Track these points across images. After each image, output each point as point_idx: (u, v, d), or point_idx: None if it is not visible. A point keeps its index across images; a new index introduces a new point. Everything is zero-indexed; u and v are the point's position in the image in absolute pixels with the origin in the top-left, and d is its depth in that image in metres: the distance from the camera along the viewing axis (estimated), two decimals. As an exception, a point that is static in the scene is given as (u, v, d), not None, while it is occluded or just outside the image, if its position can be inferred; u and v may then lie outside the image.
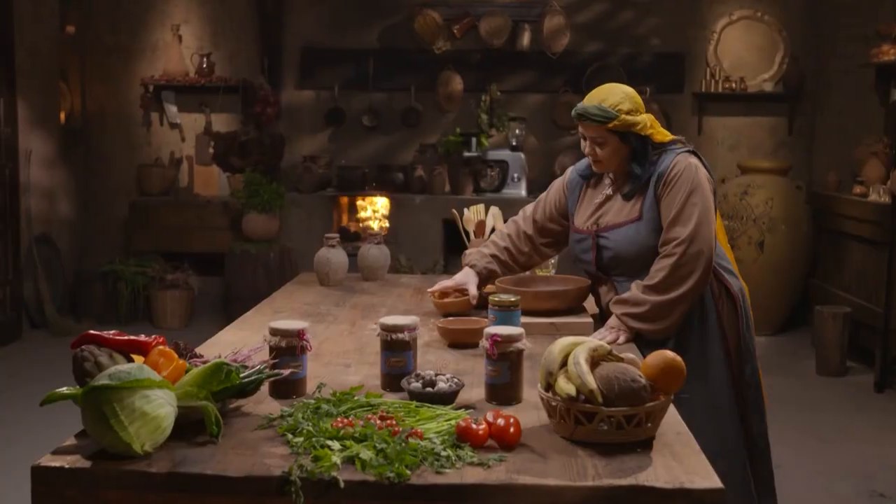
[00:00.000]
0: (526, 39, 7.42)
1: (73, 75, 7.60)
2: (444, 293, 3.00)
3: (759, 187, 6.78)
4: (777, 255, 6.71)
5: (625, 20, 7.52)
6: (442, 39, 7.47)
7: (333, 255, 3.60)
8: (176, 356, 1.84)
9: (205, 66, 7.52)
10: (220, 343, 2.58)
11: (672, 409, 2.01)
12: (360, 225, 7.55)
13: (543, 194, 3.08)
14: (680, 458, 1.72)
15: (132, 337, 1.91)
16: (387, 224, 7.42)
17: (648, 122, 2.68)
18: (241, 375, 1.89)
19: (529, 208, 3.11)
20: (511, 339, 2.04)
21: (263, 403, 2.03)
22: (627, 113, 2.63)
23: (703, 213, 2.59)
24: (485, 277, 3.01)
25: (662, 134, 2.74)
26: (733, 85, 7.33)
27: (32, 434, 4.49)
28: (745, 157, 7.34)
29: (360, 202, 7.65)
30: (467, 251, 3.29)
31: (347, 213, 7.64)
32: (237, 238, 7.10)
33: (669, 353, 1.85)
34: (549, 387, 1.85)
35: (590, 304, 3.09)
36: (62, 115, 7.44)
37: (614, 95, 2.66)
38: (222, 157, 7.20)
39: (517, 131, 7.35)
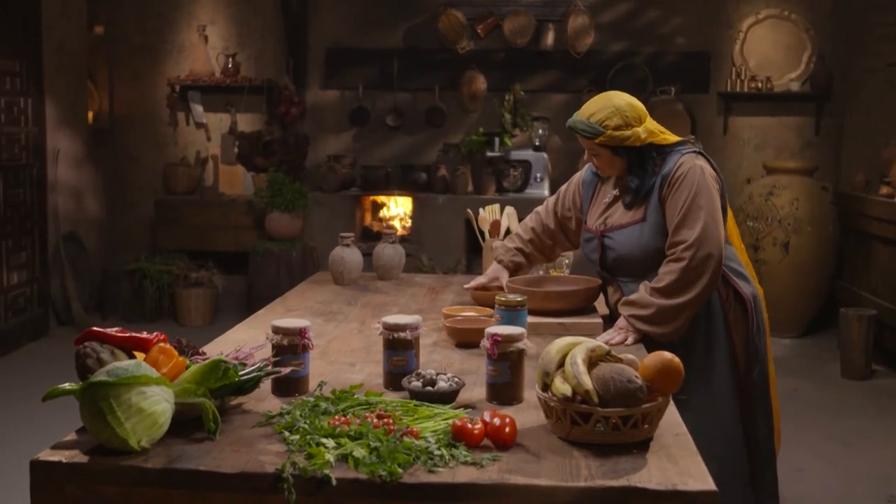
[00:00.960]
0: (550, 39, 7.41)
1: (101, 75, 7.69)
2: (480, 288, 3.11)
3: (785, 188, 6.71)
4: (802, 257, 6.64)
5: (650, 19, 7.48)
6: (466, 39, 7.47)
7: (348, 255, 3.62)
8: (176, 353, 1.86)
9: (230, 66, 7.58)
10: (229, 341, 2.60)
11: (673, 410, 2.00)
12: (383, 224, 7.57)
13: (563, 187, 3.12)
14: (675, 460, 1.71)
15: (134, 334, 1.93)
16: (409, 224, 7.44)
17: (643, 134, 2.65)
18: (240, 373, 1.90)
19: (551, 201, 3.16)
20: (511, 339, 2.04)
21: (265, 401, 2.05)
22: (615, 129, 2.63)
23: (710, 214, 2.57)
24: (513, 270, 3.12)
25: (665, 138, 2.72)
26: (759, 84, 7.26)
27: (57, 428, 4.54)
28: (770, 158, 7.28)
29: (383, 202, 7.67)
30: (495, 244, 3.34)
31: (371, 213, 7.66)
32: (261, 237, 7.15)
33: (667, 355, 1.84)
34: (546, 387, 1.85)
35: (601, 303, 3.08)
36: (90, 115, 7.53)
37: (604, 110, 2.65)
38: (246, 156, 7.25)
39: (540, 131, 7.33)
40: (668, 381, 1.82)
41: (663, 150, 2.71)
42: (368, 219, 7.62)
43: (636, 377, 1.78)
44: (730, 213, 2.88)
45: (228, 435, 1.82)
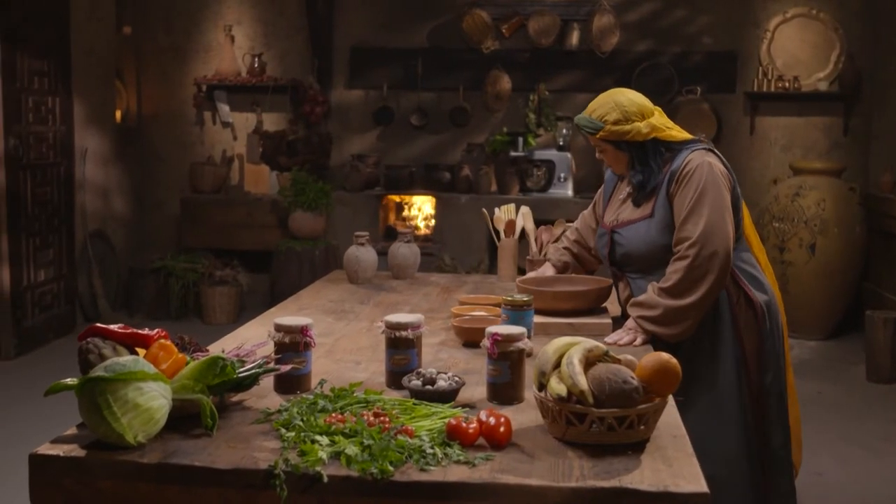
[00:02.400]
0: (575, 38, 7.38)
1: (129, 75, 7.78)
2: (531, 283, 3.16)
3: (812, 189, 6.64)
4: (829, 258, 6.56)
5: (676, 18, 7.43)
6: (490, 39, 7.46)
7: (362, 254, 3.63)
8: (175, 350, 1.87)
9: (256, 65, 7.63)
10: (239, 338, 2.62)
11: (674, 411, 1.99)
12: (406, 224, 7.58)
13: (601, 188, 3.12)
14: (670, 462, 1.70)
15: (135, 330, 1.95)
16: (432, 223, 7.45)
17: (645, 129, 2.67)
18: (240, 370, 1.92)
19: (587, 210, 3.21)
20: (511, 339, 2.04)
21: (266, 398, 2.06)
22: (614, 123, 2.67)
23: (716, 211, 2.55)
24: (561, 269, 3.15)
25: (674, 135, 2.71)
26: (786, 84, 7.18)
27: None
28: (798, 158, 7.20)
29: (406, 201, 7.68)
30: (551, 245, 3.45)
31: (394, 212, 7.68)
32: (285, 236, 7.20)
33: (664, 356, 1.83)
34: (543, 387, 1.84)
35: (613, 301, 3.07)
36: (118, 114, 7.62)
37: (604, 106, 2.71)
38: (270, 155, 7.30)
39: (564, 131, 7.31)
40: (665, 382, 1.81)
41: (672, 147, 2.71)
42: (392, 218, 7.64)
43: (632, 378, 1.77)
44: (747, 213, 2.86)
45: (226, 431, 1.83)
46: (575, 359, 1.80)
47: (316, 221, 6.99)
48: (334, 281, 3.71)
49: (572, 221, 3.30)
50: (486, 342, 2.06)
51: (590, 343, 1.88)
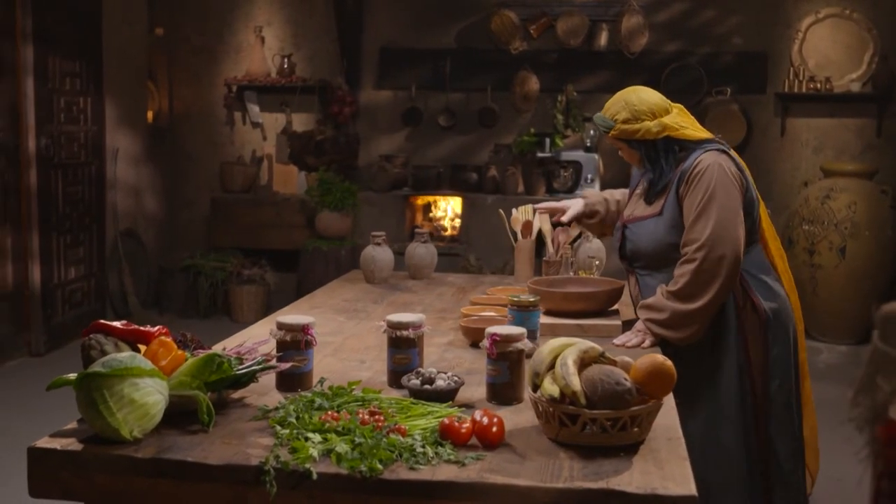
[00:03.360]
0: (603, 39, 7.35)
1: (161, 75, 7.87)
2: (549, 210, 3.27)
3: (843, 191, 6.55)
4: (859, 262, 6.47)
5: (706, 19, 7.37)
6: (518, 39, 7.45)
7: (378, 253, 3.65)
8: (174, 347, 1.90)
9: (286, 66, 7.69)
10: (249, 336, 2.64)
11: (672, 414, 1.98)
12: (434, 224, 7.59)
13: None
14: (661, 464, 1.69)
15: (137, 327, 1.98)
16: (458, 224, 7.45)
17: (655, 128, 2.67)
18: (238, 367, 1.94)
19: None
20: (510, 339, 2.04)
21: (267, 395, 2.08)
22: (624, 122, 2.70)
23: (725, 214, 2.53)
24: (588, 212, 3.12)
25: (687, 133, 2.70)
26: (818, 85, 7.09)
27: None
28: (829, 160, 7.11)
29: (433, 201, 7.69)
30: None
31: (421, 213, 7.69)
32: (312, 235, 7.24)
33: (659, 358, 1.82)
34: (537, 387, 1.84)
35: (625, 305, 3.06)
36: (150, 114, 7.71)
37: (615, 105, 2.75)
38: (298, 155, 7.35)
39: (592, 132, 7.28)
40: (659, 385, 1.80)
41: (686, 146, 2.70)
42: (419, 219, 7.65)
43: (625, 379, 1.76)
44: (766, 216, 2.82)
45: (223, 427, 1.85)
46: (569, 360, 1.80)
47: (342, 221, 7.02)
48: (351, 280, 3.73)
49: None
50: (485, 342, 2.06)
51: (585, 344, 1.87)
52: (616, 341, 2.63)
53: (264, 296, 7.26)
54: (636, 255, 2.78)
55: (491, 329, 2.06)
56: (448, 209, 7.68)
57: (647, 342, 2.60)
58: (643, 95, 2.73)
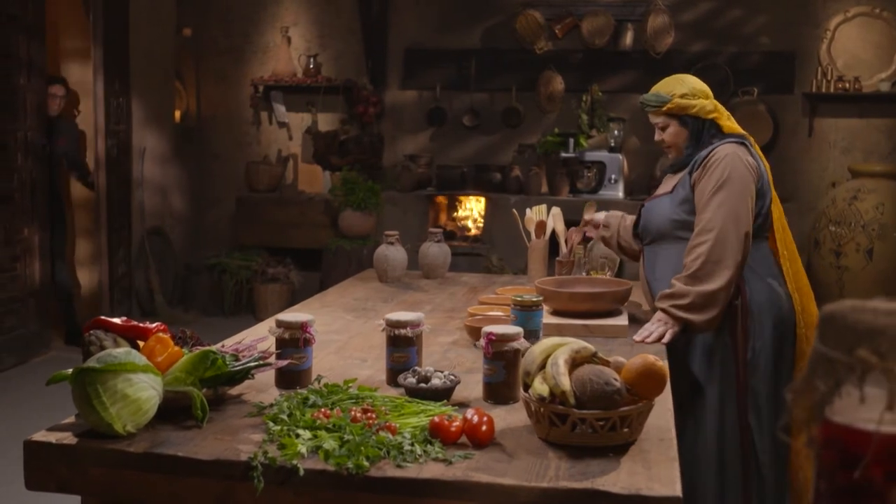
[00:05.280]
0: (628, 39, 7.31)
1: (189, 76, 7.95)
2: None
3: (870, 192, 6.47)
4: (887, 264, 6.38)
5: (732, 18, 7.31)
6: (543, 39, 7.44)
7: (392, 253, 3.67)
8: (171, 343, 1.92)
9: (311, 66, 7.74)
10: (256, 333, 2.66)
11: (667, 415, 1.97)
12: (457, 224, 7.60)
13: None
14: (650, 465, 1.69)
15: (136, 323, 2.01)
16: (482, 224, 7.45)
17: (710, 107, 2.79)
18: (235, 364, 1.95)
19: None
20: (506, 339, 2.04)
21: (266, 392, 2.10)
22: (681, 96, 2.80)
23: (737, 198, 2.62)
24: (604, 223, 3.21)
25: (730, 125, 2.81)
26: (847, 85, 7.01)
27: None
28: (858, 161, 7.02)
29: (457, 201, 7.70)
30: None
31: (445, 213, 7.70)
32: (336, 235, 7.28)
33: (650, 358, 1.81)
34: (528, 387, 1.84)
35: (634, 304, 3.05)
36: (177, 114, 7.80)
37: (671, 83, 2.86)
38: (321, 155, 7.39)
39: (616, 132, 7.25)
40: (650, 385, 1.79)
41: (722, 135, 2.80)
42: (443, 218, 7.66)
43: (615, 379, 1.76)
44: (781, 216, 2.83)
45: (218, 423, 1.87)
46: (560, 359, 1.80)
47: (365, 221, 7.05)
48: (364, 279, 3.75)
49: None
50: (481, 341, 2.07)
51: (578, 344, 1.87)
52: (637, 337, 2.64)
53: (288, 294, 7.30)
54: (646, 231, 2.88)
55: (487, 328, 2.07)
56: (472, 209, 7.68)
57: (669, 335, 2.60)
58: (697, 80, 2.87)
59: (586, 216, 3.33)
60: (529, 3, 7.41)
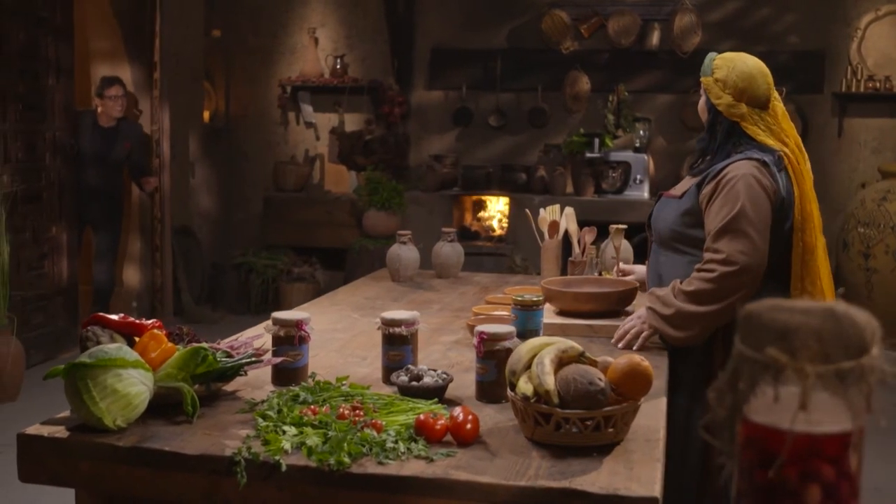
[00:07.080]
0: (655, 39, 7.28)
1: (218, 76, 8.04)
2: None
3: (900, 193, 6.37)
4: (916, 266, 6.28)
5: (760, 17, 7.23)
6: (569, 39, 7.42)
7: (404, 252, 3.68)
8: (165, 339, 1.95)
9: (338, 67, 7.79)
10: (258, 331, 2.69)
11: (657, 415, 1.96)
12: (482, 224, 7.60)
13: None
14: (631, 465, 1.68)
15: (133, 320, 2.04)
16: (506, 224, 7.45)
17: (738, 110, 2.51)
18: (226, 360, 1.98)
19: None
20: (497, 338, 2.05)
21: (261, 389, 2.12)
22: (716, 80, 2.54)
23: (752, 231, 2.41)
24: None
25: (756, 132, 2.52)
26: (877, 84, 6.91)
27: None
28: (889, 161, 6.92)
29: (482, 201, 7.70)
30: None
31: (471, 213, 7.71)
32: (361, 234, 7.32)
33: (636, 358, 1.81)
34: (514, 386, 1.85)
35: (641, 304, 3.03)
36: (206, 115, 7.88)
37: (728, 62, 2.56)
38: (346, 155, 7.43)
39: (641, 132, 7.21)
40: (635, 386, 1.78)
41: (745, 144, 2.53)
42: (469, 218, 7.67)
43: (599, 379, 1.75)
44: (813, 234, 2.56)
45: (208, 419, 1.89)
46: (546, 359, 1.80)
47: (390, 220, 7.08)
48: (376, 279, 3.77)
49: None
50: (474, 340, 2.07)
51: (565, 344, 1.87)
52: (615, 339, 2.60)
53: (314, 293, 7.34)
54: (654, 228, 2.76)
55: (480, 327, 2.07)
56: (497, 209, 7.67)
57: (645, 333, 2.55)
58: (751, 71, 2.54)
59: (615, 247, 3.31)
60: (555, 3, 7.40)
